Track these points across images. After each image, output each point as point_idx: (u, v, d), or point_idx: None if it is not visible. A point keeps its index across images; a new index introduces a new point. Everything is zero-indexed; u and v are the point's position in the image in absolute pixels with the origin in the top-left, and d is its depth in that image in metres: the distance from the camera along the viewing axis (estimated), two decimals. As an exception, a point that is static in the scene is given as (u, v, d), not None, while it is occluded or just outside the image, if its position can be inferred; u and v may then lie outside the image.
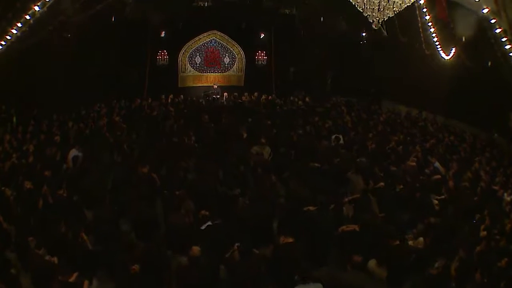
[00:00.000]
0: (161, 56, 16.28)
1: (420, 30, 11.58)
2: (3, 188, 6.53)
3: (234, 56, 17.59)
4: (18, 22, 8.60)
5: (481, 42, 10.37)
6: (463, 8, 10.20)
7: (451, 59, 12.06)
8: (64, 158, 8.50)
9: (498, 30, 9.25)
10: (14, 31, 8.67)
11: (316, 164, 8.56)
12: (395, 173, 8.44)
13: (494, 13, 9.08)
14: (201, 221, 5.79)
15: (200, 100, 15.92)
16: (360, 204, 6.80)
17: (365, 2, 6.18)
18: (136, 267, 4.65)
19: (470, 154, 11.01)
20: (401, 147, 10.57)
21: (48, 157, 8.48)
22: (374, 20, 6.32)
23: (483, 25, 9.70)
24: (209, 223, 5.71)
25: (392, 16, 6.57)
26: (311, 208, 6.25)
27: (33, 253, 5.04)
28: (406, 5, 6.33)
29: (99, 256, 5.04)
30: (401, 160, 9.32)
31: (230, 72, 17.75)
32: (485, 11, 9.10)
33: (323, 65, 17.33)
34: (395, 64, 14.61)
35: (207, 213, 5.85)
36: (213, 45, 17.30)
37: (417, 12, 11.08)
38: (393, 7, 6.20)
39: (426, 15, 11.09)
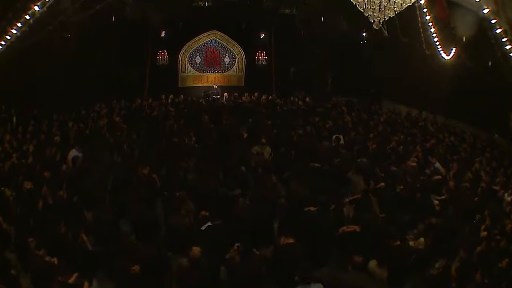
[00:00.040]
0: (161, 56, 16.28)
1: (421, 30, 11.58)
2: (2, 188, 6.50)
3: (234, 56, 17.58)
4: (18, 22, 8.60)
5: (481, 42, 10.38)
6: (463, 8, 10.20)
7: (451, 59, 12.07)
8: (64, 158, 8.48)
9: (498, 30, 9.25)
10: (14, 31, 8.68)
11: (317, 164, 8.55)
12: (396, 173, 8.43)
13: (494, 13, 9.08)
14: (201, 221, 5.78)
15: (200, 100, 15.92)
16: (361, 204, 6.79)
17: (365, 2, 6.17)
18: (136, 268, 4.63)
19: (471, 154, 11.01)
20: (401, 147, 10.56)
21: (48, 157, 8.47)
22: (375, 20, 6.31)
23: (483, 25, 9.71)
24: (209, 223, 5.70)
25: (393, 16, 6.56)
26: (311, 208, 6.24)
27: (33, 253, 5.01)
28: (407, 5, 6.32)
29: (99, 257, 5.01)
30: (401, 161, 9.31)
31: (230, 72, 17.75)
32: (486, 11, 9.10)
33: (323, 65, 17.33)
34: (396, 64, 14.61)
35: (207, 213, 5.83)
36: (213, 45, 17.30)
37: (418, 12, 11.08)
38: (394, 7, 6.20)
39: (426, 15, 11.10)
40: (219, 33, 17.13)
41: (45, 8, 8.68)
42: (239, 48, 17.49)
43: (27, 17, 8.58)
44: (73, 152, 8.47)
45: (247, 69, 17.74)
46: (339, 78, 17.76)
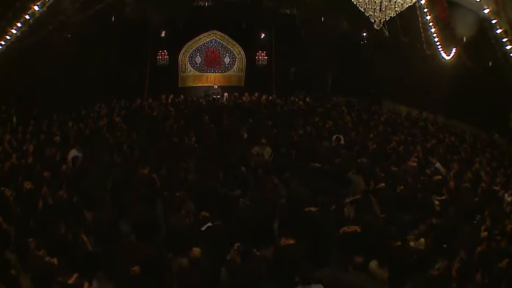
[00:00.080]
0: (161, 56, 16.27)
1: (421, 30, 11.57)
2: (2, 188, 6.50)
3: (235, 56, 17.57)
4: (17, 22, 8.59)
5: (482, 42, 10.37)
6: (464, 9, 10.19)
7: (451, 59, 12.06)
8: (64, 158, 8.47)
9: (499, 31, 9.24)
10: (14, 31, 8.66)
11: (317, 165, 8.54)
12: (396, 173, 8.42)
13: (494, 13, 9.08)
14: (202, 222, 5.77)
15: (201, 100, 15.90)
16: (361, 205, 6.78)
17: (366, 2, 6.16)
18: (136, 268, 4.62)
19: (471, 154, 11.00)
20: (402, 147, 10.55)
21: (48, 157, 8.46)
22: (376, 20, 6.30)
23: (484, 26, 9.70)
24: (209, 224, 5.69)
25: (394, 16, 6.54)
26: (312, 209, 6.23)
27: (33, 254, 5.01)
28: (407, 5, 6.31)
29: (99, 257, 5.01)
30: (402, 161, 9.30)
31: (231, 72, 17.74)
32: (486, 11, 9.09)
33: (323, 65, 17.32)
34: (396, 64, 14.60)
35: (207, 214, 5.82)
36: (213, 45, 17.28)
37: (418, 12, 11.07)
38: (395, 7, 6.19)
39: (427, 15, 11.08)
40: (219, 33, 17.12)
41: (45, 8, 8.67)
42: (239, 48, 17.48)
43: (27, 17, 8.57)
44: (73, 152, 8.46)
45: (247, 69, 17.73)
46: (339, 78, 17.75)
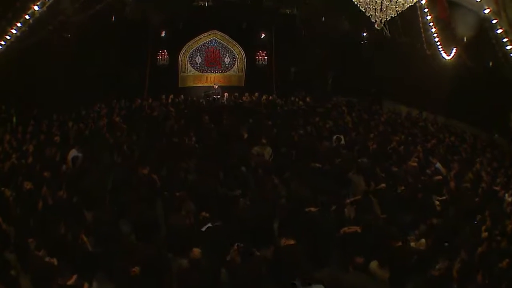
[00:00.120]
0: (161, 56, 16.26)
1: (422, 30, 11.56)
2: (2, 188, 6.49)
3: (235, 56, 17.56)
4: (17, 22, 8.58)
5: (482, 42, 10.37)
6: (464, 9, 10.18)
7: (452, 59, 12.05)
8: (64, 158, 8.46)
9: (499, 31, 9.23)
10: (13, 31, 8.65)
11: (317, 165, 8.53)
12: (397, 173, 8.41)
13: (495, 13, 9.07)
14: (202, 222, 5.76)
15: (201, 100, 15.90)
16: (362, 205, 6.77)
17: (367, 2, 6.15)
18: (136, 269, 4.61)
19: (471, 154, 10.99)
20: (402, 147, 10.54)
21: (48, 157, 8.45)
22: (377, 20, 6.30)
23: (484, 26, 9.69)
24: (209, 224, 5.68)
25: (394, 16, 6.54)
26: (312, 209, 6.22)
27: (33, 254, 5.00)
28: (408, 5, 6.30)
29: (99, 258, 5.00)
30: (402, 161, 9.29)
31: (231, 72, 17.73)
32: (487, 11, 9.08)
33: (324, 65, 17.32)
34: (396, 64, 14.59)
35: (207, 214, 5.81)
36: (213, 45, 17.28)
37: (419, 12, 11.06)
38: (396, 7, 6.18)
39: (427, 15, 11.07)
40: (219, 33, 17.11)
41: (44, 8, 8.66)
42: (240, 48, 17.47)
43: (27, 17, 8.56)
44: (73, 152, 8.45)
45: (247, 69, 17.72)
46: (339, 78, 17.74)
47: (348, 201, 7.00)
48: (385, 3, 6.09)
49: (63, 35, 11.77)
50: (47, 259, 4.85)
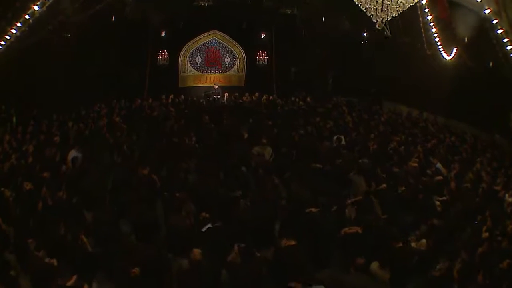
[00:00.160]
0: (161, 56, 16.24)
1: (422, 30, 11.55)
2: (2, 189, 6.47)
3: (235, 56, 17.55)
4: (17, 22, 8.58)
5: (482, 42, 10.36)
6: (465, 9, 10.17)
7: (452, 59, 12.04)
8: (64, 159, 8.44)
9: (499, 31, 9.22)
10: (13, 31, 8.64)
11: (318, 165, 8.51)
12: (397, 174, 8.40)
13: (495, 13, 9.06)
14: (202, 223, 5.75)
15: (201, 100, 15.89)
16: (363, 206, 6.76)
17: (368, 2, 6.14)
18: (136, 270, 4.60)
19: (471, 155, 10.97)
20: (402, 147, 10.53)
21: (48, 157, 8.43)
22: (378, 20, 6.28)
23: (484, 26, 9.69)
24: (210, 225, 5.67)
25: (395, 16, 6.53)
26: (313, 210, 6.21)
27: (33, 255, 4.99)
28: (409, 5, 6.29)
29: (99, 258, 4.99)
30: (403, 161, 9.28)
31: (231, 72, 17.71)
32: (487, 11, 9.07)
33: (324, 65, 17.29)
34: (397, 64, 14.57)
35: (207, 215, 5.80)
36: (213, 45, 17.26)
37: (419, 12, 11.05)
38: (397, 7, 6.16)
39: (428, 15, 11.06)
40: (219, 33, 17.09)
41: (44, 8, 8.65)
42: (240, 48, 17.45)
43: (27, 17, 8.55)
44: (73, 153, 8.44)
45: (247, 69, 17.70)
46: (340, 78, 17.71)
47: (349, 201, 6.98)
48: (386, 2, 6.07)
49: (63, 35, 11.76)
50: (47, 259, 4.83)
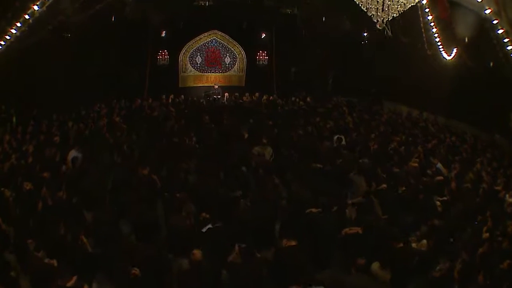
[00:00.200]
0: (161, 56, 16.23)
1: (422, 30, 11.54)
2: (2, 189, 6.46)
3: (235, 56, 17.54)
4: (17, 22, 8.55)
5: (483, 42, 10.35)
6: (465, 9, 10.16)
7: (452, 59, 12.03)
8: (64, 159, 8.43)
9: (500, 31, 9.22)
10: (13, 31, 8.62)
11: (318, 165, 8.50)
12: (398, 174, 8.39)
13: (496, 13, 9.05)
14: (202, 223, 5.74)
15: (201, 100, 15.89)
16: (363, 206, 6.76)
17: (369, 2, 6.13)
18: (136, 270, 4.59)
19: (472, 155, 10.97)
20: (403, 147, 10.52)
21: (48, 158, 8.42)
22: (379, 19, 6.27)
23: (485, 26, 9.68)
24: (210, 225, 5.66)
25: (396, 16, 6.52)
26: (313, 210, 6.20)
27: (33, 255, 4.98)
28: (410, 5, 6.28)
29: (99, 259, 4.97)
30: (403, 161, 9.27)
31: (231, 72, 17.71)
32: (487, 11, 9.06)
33: (324, 65, 17.29)
34: (397, 64, 14.57)
35: (208, 216, 5.79)
36: (214, 45, 17.25)
37: (420, 12, 11.03)
38: (398, 7, 6.15)
39: (428, 15, 11.04)
40: (219, 33, 17.09)
41: (44, 8, 8.63)
42: (240, 48, 17.44)
43: (27, 16, 8.53)
44: (73, 153, 8.43)
45: (248, 69, 17.70)
46: (340, 78, 17.71)
47: (349, 202, 6.97)
48: (387, 2, 6.06)
49: (63, 35, 11.74)
50: (46, 260, 4.82)
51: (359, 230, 5.72)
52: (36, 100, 12.00)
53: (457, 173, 8.90)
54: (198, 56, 17.10)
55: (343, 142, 10.39)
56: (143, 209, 6.11)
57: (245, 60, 17.57)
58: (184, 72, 17.04)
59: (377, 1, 6.09)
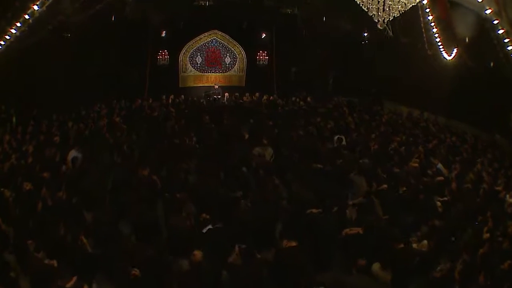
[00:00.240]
0: (161, 56, 16.22)
1: (423, 30, 11.53)
2: (2, 189, 6.46)
3: (235, 56, 17.53)
4: (17, 22, 8.53)
5: (483, 42, 10.34)
6: (466, 9, 10.16)
7: (453, 59, 12.02)
8: (64, 159, 8.43)
9: (500, 31, 9.21)
10: (13, 31, 8.61)
11: (319, 166, 8.49)
12: (398, 174, 8.38)
13: (496, 13, 9.05)
14: (202, 224, 5.73)
15: (201, 101, 15.88)
16: (364, 206, 6.74)
17: (370, 2, 6.12)
18: (136, 271, 4.58)
19: (472, 155, 10.96)
20: (403, 148, 10.51)
21: (48, 158, 8.42)
22: (380, 19, 6.26)
23: (485, 26, 9.67)
24: (210, 226, 5.64)
25: (397, 16, 6.51)
26: (314, 210, 6.19)
27: (32, 256, 4.97)
28: (411, 5, 6.27)
29: (99, 259, 4.96)
30: (404, 162, 9.26)
31: (231, 72, 17.70)
32: (488, 12, 9.05)
33: (325, 65, 17.26)
34: (397, 64, 14.56)
35: (208, 216, 5.78)
36: (214, 45, 17.24)
37: (420, 12, 11.02)
38: (399, 7, 6.14)
39: (428, 15, 11.04)
40: (220, 33, 17.08)
41: (44, 8, 8.62)
42: (240, 48, 17.43)
43: (27, 16, 8.52)
44: (73, 153, 8.43)
45: (248, 69, 17.68)
46: (340, 78, 17.70)
47: (350, 202, 6.96)
48: (388, 2, 6.05)
49: (63, 35, 11.73)
50: (46, 260, 4.82)
51: (359, 230, 5.71)
52: (36, 100, 11.99)
53: (458, 174, 8.89)
54: (198, 56, 17.09)
55: (344, 142, 10.38)
56: (143, 209, 6.09)
57: (245, 60, 17.56)
58: (184, 72, 17.03)
59: (378, 1, 6.07)
